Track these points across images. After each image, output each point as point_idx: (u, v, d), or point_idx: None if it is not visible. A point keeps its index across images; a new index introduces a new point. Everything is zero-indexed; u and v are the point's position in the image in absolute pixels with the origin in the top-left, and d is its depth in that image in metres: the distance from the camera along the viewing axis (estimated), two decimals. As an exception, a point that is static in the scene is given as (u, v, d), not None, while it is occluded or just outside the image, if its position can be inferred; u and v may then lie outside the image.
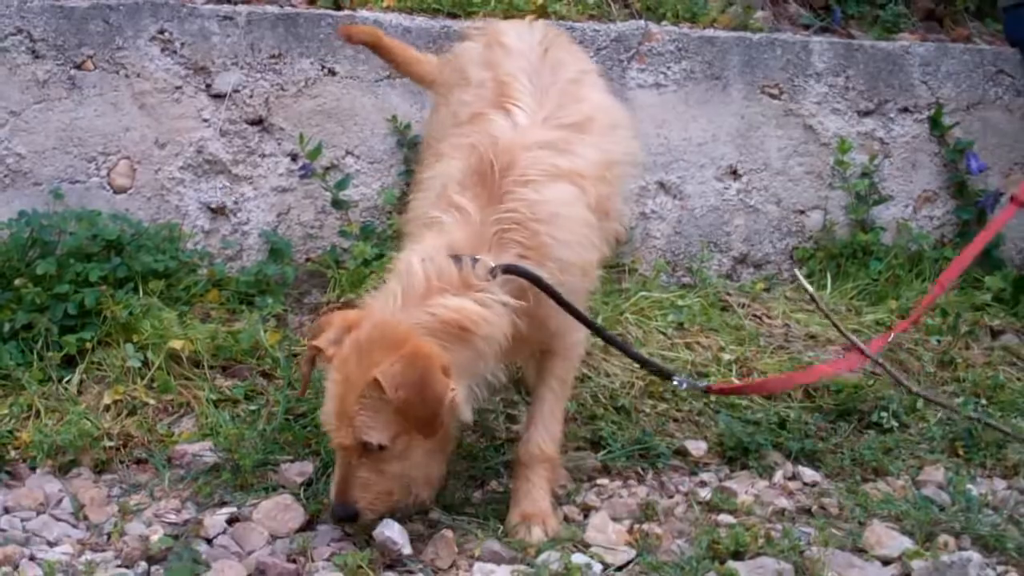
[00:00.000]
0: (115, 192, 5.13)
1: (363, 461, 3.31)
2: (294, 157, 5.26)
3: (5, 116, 5.03)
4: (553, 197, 3.45)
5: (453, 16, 5.58)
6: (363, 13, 5.38)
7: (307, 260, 5.24)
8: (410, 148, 5.29)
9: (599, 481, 4.05)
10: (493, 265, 3.34)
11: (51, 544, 3.34)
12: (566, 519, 3.76)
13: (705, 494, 3.98)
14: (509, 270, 3.37)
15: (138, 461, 3.95)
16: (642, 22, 5.61)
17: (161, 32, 5.15)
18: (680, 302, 5.12)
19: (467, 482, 3.94)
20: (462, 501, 3.80)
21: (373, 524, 3.37)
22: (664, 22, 5.74)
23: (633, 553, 3.51)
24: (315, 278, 5.21)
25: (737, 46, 5.67)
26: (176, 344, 4.34)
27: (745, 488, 4.06)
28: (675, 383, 4.01)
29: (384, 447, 3.27)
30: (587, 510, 3.83)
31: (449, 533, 3.46)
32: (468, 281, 3.30)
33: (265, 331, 4.58)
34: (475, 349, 3.31)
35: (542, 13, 5.72)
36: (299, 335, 4.70)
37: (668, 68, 5.58)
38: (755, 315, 5.31)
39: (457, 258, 3.32)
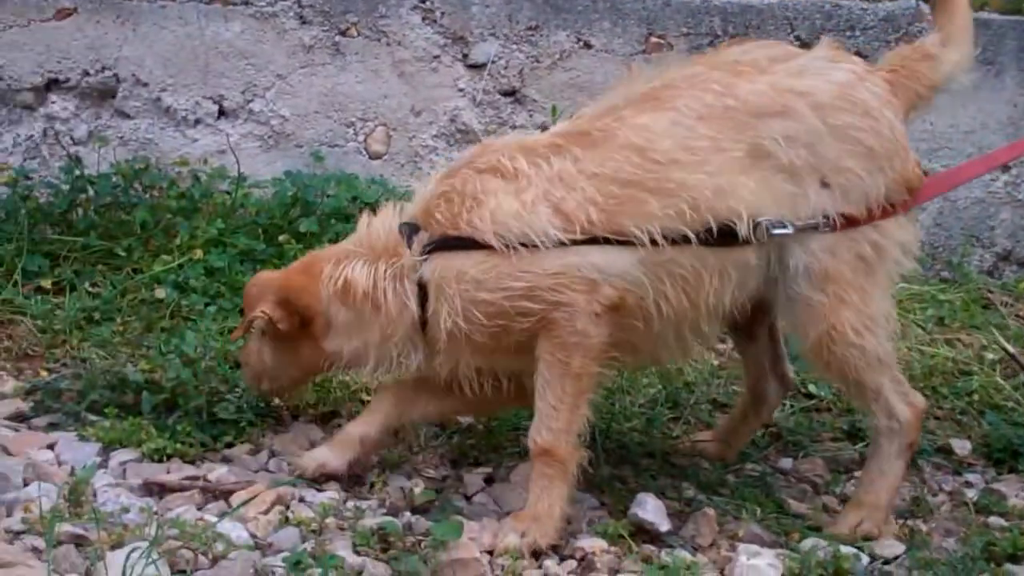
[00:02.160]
0: (371, 158, 5.24)
1: (258, 336, 3.53)
2: (544, 129, 5.25)
3: (272, 79, 5.21)
4: None
5: None
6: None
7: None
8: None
9: (856, 473, 3.89)
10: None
11: (319, 489, 3.42)
12: (825, 508, 3.63)
13: (972, 495, 3.80)
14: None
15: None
16: (912, 2, 5.38)
17: (423, 1, 5.22)
18: (941, 296, 4.89)
19: (721, 464, 3.85)
20: (718, 481, 3.71)
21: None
22: (934, 3, 5.50)
23: (902, 548, 3.35)
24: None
25: (1013, 30, 5.37)
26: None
27: (1015, 492, 3.85)
28: None
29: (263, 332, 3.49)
30: (845, 500, 3.69)
31: (710, 511, 3.38)
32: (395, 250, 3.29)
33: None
34: (357, 312, 3.32)
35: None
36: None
37: (937, 51, 5.34)
38: (1019, 315, 5.03)
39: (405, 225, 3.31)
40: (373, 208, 3.51)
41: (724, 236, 3.12)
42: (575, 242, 3.09)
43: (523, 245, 3.09)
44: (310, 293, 3.37)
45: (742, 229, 3.11)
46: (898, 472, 3.43)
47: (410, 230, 3.28)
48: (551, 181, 3.10)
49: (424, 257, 3.21)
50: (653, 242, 3.07)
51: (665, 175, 3.07)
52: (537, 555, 3.13)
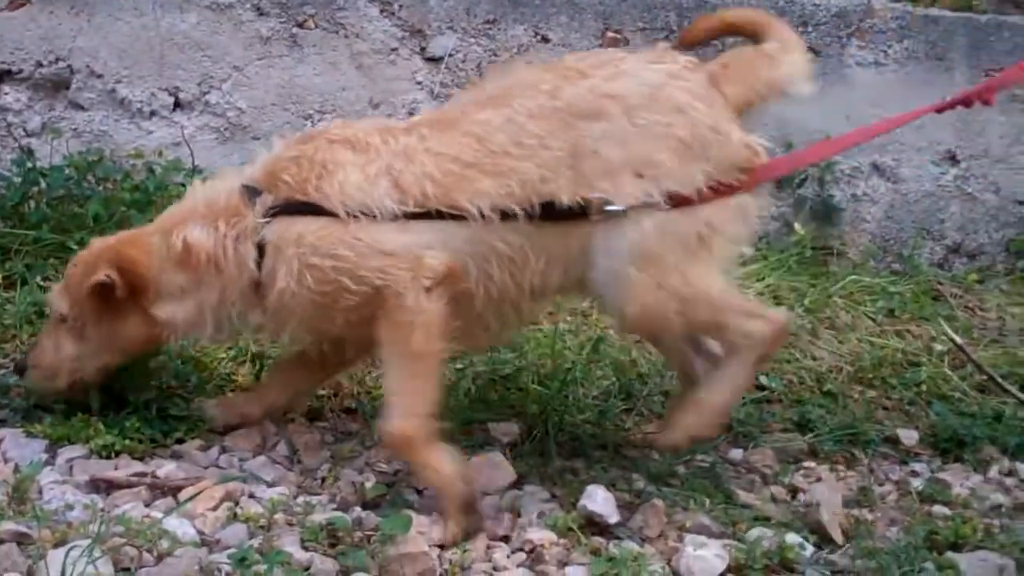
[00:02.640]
0: (328, 149, 5.22)
1: (54, 329, 3.54)
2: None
3: (229, 71, 5.19)
4: None
5: None
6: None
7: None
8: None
9: (806, 464, 3.95)
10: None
11: (269, 484, 3.43)
12: (773, 499, 3.68)
13: (917, 484, 3.86)
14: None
15: (348, 411, 4.02)
16: (864, -2, 5.44)
17: (380, -7, 5.23)
18: (891, 288, 4.95)
19: (671, 455, 3.89)
20: (668, 472, 3.75)
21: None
22: (886, -1, 5.55)
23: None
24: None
25: (963, 27, 5.43)
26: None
27: (959, 481, 3.91)
28: None
29: (64, 318, 3.49)
30: (794, 491, 3.74)
31: (659, 503, 3.42)
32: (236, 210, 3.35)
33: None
34: (197, 275, 3.37)
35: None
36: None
37: (889, 47, 5.39)
38: (968, 306, 5.10)
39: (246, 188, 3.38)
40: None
41: (556, 212, 3.25)
42: (408, 215, 3.20)
43: (363, 214, 3.21)
44: (142, 263, 3.40)
45: (565, 201, 3.24)
46: (743, 380, 3.56)
47: (252, 192, 3.35)
48: (395, 155, 3.26)
49: (266, 220, 3.29)
50: (484, 216, 3.21)
51: (499, 161, 3.25)
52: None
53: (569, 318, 4.64)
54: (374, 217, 3.20)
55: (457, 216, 3.21)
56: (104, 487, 3.27)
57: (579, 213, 3.25)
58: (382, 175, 3.23)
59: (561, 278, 3.38)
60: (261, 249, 3.30)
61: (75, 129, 5.14)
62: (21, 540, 2.83)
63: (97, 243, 3.57)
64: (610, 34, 5.29)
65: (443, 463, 3.24)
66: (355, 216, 3.20)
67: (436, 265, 3.22)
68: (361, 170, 3.24)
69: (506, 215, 3.22)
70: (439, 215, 3.21)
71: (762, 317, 3.49)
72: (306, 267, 3.23)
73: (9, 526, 2.84)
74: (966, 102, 3.60)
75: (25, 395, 3.74)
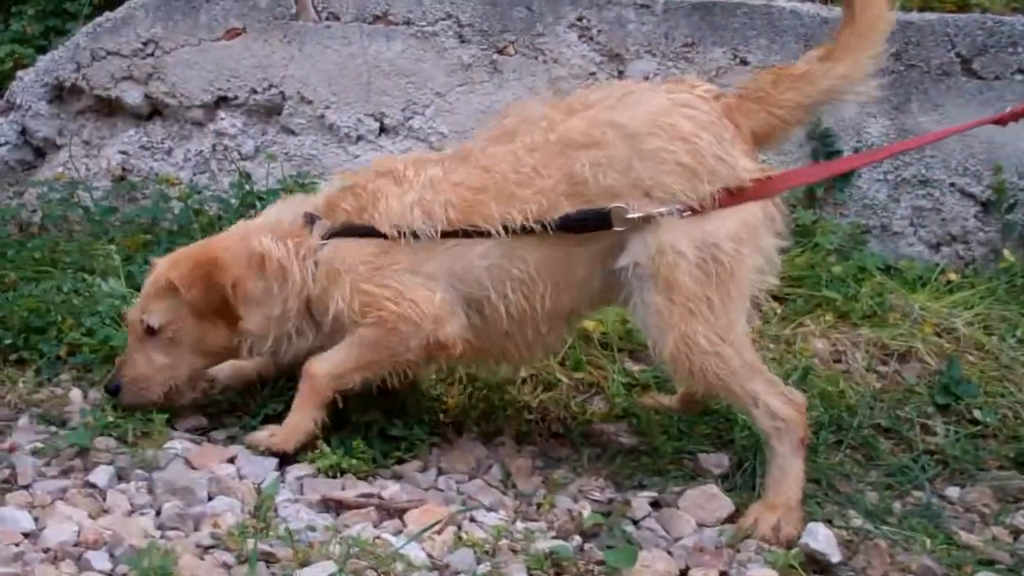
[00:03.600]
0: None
1: (141, 344, 3.80)
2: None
3: (431, 97, 5.32)
4: None
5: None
6: (779, 3, 5.30)
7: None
8: (820, 140, 5.17)
9: (1027, 504, 3.83)
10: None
11: (488, 509, 3.49)
12: (994, 540, 3.57)
13: None
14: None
15: (555, 435, 4.07)
16: (1081, 16, 5.24)
17: (580, 19, 5.28)
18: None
19: (886, 491, 3.82)
20: (885, 510, 3.68)
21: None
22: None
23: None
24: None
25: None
26: (588, 325, 4.43)
27: None
28: None
29: (155, 331, 3.76)
30: (1016, 533, 3.63)
31: (881, 543, 3.37)
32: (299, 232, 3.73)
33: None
34: (268, 283, 3.71)
35: (962, 6, 5.46)
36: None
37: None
38: None
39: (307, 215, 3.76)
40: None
41: (574, 223, 3.49)
42: (440, 234, 3.56)
43: (402, 235, 3.59)
44: (233, 270, 3.72)
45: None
46: (798, 469, 3.50)
47: (312, 219, 3.73)
48: (424, 187, 3.62)
49: (324, 242, 3.68)
50: (499, 233, 3.52)
51: (503, 187, 3.54)
52: (281, 457, 3.63)
53: (772, 346, 4.59)
54: (413, 238, 3.58)
55: (477, 233, 3.53)
56: (334, 507, 3.39)
57: (600, 224, 3.46)
58: (416, 205, 3.60)
59: (573, 302, 3.65)
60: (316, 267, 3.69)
61: (286, 153, 5.34)
62: (268, 559, 2.95)
63: (180, 255, 3.86)
64: (812, 56, 5.21)
65: (306, 422, 3.64)
66: (404, 236, 3.58)
67: (450, 338, 3.61)
68: (399, 200, 3.61)
69: (522, 231, 3.50)
70: (464, 234, 3.55)
71: (785, 396, 3.51)
72: (354, 290, 3.60)
73: (256, 545, 2.96)
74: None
75: (253, 412, 3.91)
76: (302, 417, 3.65)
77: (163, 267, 3.82)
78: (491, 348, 3.73)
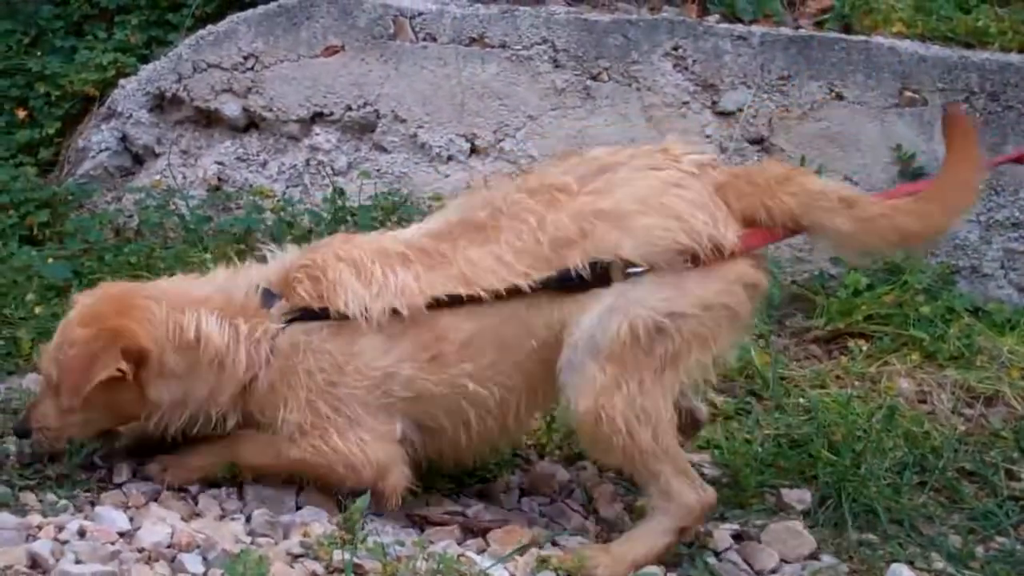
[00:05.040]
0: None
1: (52, 394, 3.45)
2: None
3: (523, 120, 5.37)
4: None
5: (968, 46, 5.38)
6: (877, 39, 5.28)
7: (792, 283, 5.21)
8: (912, 179, 5.13)
9: (1114, 555, 3.76)
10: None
11: (570, 533, 3.52)
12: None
13: None
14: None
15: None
16: None
17: (675, 48, 5.30)
18: None
19: (969, 535, 3.77)
20: (967, 554, 3.64)
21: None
22: None
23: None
24: (799, 301, 5.17)
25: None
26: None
27: None
28: None
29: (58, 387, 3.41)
30: (1104, 585, 3.57)
31: (964, 589, 3.33)
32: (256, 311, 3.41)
33: (753, 351, 4.60)
34: (194, 363, 3.37)
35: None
36: (786, 357, 4.71)
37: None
38: None
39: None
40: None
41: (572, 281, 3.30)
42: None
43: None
44: (146, 341, 3.36)
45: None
46: (658, 547, 3.33)
47: (269, 296, 3.42)
48: (394, 295, 3.33)
49: (282, 326, 3.38)
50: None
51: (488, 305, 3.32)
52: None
53: (857, 383, 4.57)
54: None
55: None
56: (419, 522, 3.43)
57: (597, 281, 3.26)
58: (383, 313, 3.33)
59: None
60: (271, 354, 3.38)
61: (378, 170, 5.42)
62: (356, 571, 3.00)
63: (95, 308, 3.46)
64: (908, 93, 5.19)
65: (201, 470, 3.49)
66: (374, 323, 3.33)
67: (396, 486, 3.39)
68: (364, 299, 3.34)
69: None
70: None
71: (694, 485, 3.34)
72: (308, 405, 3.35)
73: (346, 557, 3.02)
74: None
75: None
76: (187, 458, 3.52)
77: (75, 317, 3.45)
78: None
